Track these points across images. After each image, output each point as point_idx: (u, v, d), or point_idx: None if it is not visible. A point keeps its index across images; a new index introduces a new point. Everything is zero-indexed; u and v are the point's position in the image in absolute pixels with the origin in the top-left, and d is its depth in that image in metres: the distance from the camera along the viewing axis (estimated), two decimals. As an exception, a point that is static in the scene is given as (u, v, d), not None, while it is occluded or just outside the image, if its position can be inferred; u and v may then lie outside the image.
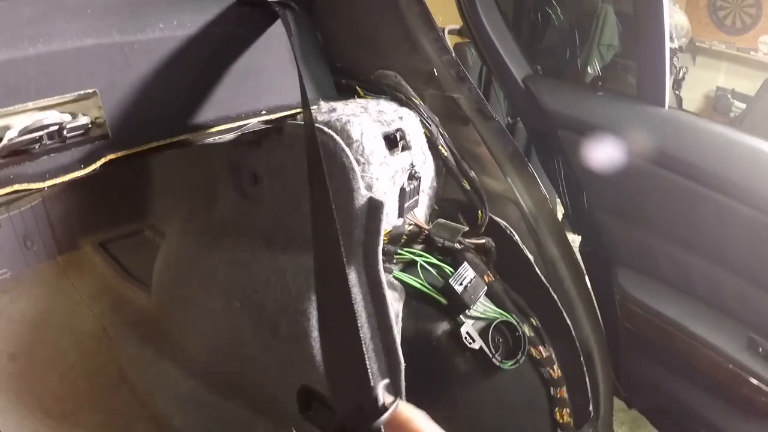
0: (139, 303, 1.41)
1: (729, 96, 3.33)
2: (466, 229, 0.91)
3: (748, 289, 1.10)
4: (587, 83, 1.37)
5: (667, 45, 1.19)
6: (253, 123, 0.82)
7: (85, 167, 0.66)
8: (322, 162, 0.60)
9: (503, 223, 0.96)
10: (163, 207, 1.61)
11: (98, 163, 0.68)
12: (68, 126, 0.62)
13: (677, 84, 2.39)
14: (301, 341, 0.86)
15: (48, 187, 0.64)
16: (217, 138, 0.78)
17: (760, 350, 1.09)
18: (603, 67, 1.66)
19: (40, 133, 0.59)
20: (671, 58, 1.20)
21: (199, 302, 1.13)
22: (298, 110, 0.86)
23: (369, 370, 0.43)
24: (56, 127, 0.61)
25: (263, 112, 0.83)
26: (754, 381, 1.06)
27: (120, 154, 0.69)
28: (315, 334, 0.85)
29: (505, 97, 1.29)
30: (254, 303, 0.97)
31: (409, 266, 0.89)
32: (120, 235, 1.67)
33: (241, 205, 1.02)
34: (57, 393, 1.26)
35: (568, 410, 0.96)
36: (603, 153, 1.16)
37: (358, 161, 0.81)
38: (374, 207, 0.79)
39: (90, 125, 0.64)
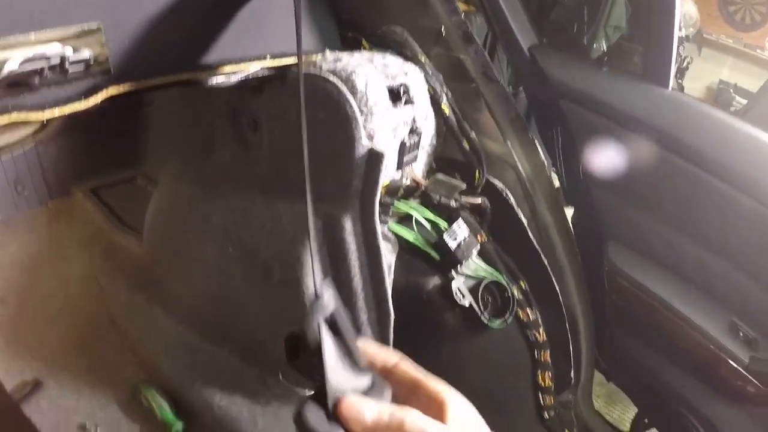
0: (130, 250, 1.40)
1: (731, 90, 3.34)
2: (464, 186, 0.91)
3: (735, 275, 1.12)
4: (592, 60, 1.37)
5: (677, 26, 1.19)
6: (257, 67, 0.81)
7: (85, 99, 0.66)
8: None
9: (500, 185, 0.96)
10: (158, 155, 1.60)
11: (99, 97, 0.67)
12: (70, 59, 0.61)
13: (680, 73, 2.40)
14: (293, 287, 0.87)
15: (47, 120, 0.64)
16: (219, 80, 0.78)
17: (741, 335, 1.10)
18: (608, 48, 1.66)
19: (42, 65, 0.59)
20: (677, 46, 1.20)
21: (191, 249, 1.13)
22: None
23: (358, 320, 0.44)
24: (58, 60, 0.60)
25: (267, 57, 0.82)
26: (732, 363, 1.08)
27: (122, 89, 0.69)
28: (308, 280, 0.85)
29: (509, 66, 1.29)
30: (248, 248, 0.98)
31: (404, 220, 0.89)
32: (112, 182, 1.66)
33: (239, 152, 1.01)
34: (45, 337, 1.26)
35: (550, 374, 0.98)
36: (603, 127, 1.16)
37: (361, 111, 0.81)
38: (374, 158, 0.79)
39: (92, 60, 0.63)
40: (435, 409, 0.39)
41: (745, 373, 1.06)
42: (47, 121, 0.66)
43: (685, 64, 2.45)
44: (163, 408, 1.14)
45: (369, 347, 0.43)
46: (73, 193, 1.62)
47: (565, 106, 1.15)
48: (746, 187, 1.06)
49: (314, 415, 0.37)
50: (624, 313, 1.18)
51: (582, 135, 1.13)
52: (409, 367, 0.42)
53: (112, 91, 0.68)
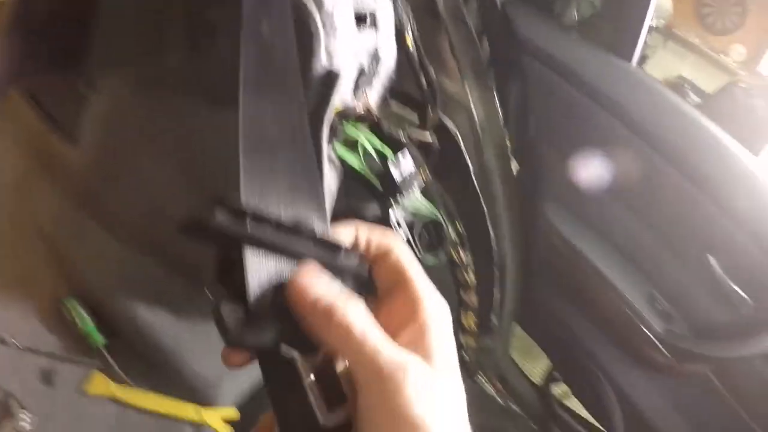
0: (66, 157, 1.34)
1: (687, 87, 3.44)
2: (416, 121, 0.92)
3: (659, 249, 1.18)
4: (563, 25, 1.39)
5: (651, 8, 1.23)
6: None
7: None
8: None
9: (452, 126, 0.97)
10: (103, 57, 1.52)
11: None
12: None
13: (642, 59, 2.45)
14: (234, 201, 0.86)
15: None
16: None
17: (658, 307, 1.17)
18: (579, 20, 1.67)
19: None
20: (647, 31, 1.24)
21: (129, 158, 1.09)
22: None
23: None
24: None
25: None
26: (647, 332, 1.14)
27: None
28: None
29: (478, 12, 1.29)
30: (191, 162, 0.96)
31: (351, 146, 0.89)
32: (52, 85, 1.57)
33: (191, 57, 0.98)
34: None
35: (473, 316, 1.01)
36: (562, 90, 1.19)
37: (324, 27, 0.80)
38: (331, 76, 0.78)
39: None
40: (409, 309, 0.36)
41: (657, 343, 1.13)
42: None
43: (648, 51, 2.50)
44: (84, 319, 1.12)
45: (361, 227, 0.41)
46: (9, 94, 1.53)
47: (528, 63, 1.16)
48: (681, 165, 1.11)
49: (232, 311, 0.35)
50: (552, 271, 1.23)
51: (539, 94, 1.16)
52: (404, 257, 0.39)
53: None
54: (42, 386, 1.09)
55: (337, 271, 0.38)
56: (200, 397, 1.16)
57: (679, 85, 3.45)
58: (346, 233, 0.41)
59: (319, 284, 0.35)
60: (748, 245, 1.03)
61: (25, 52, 1.55)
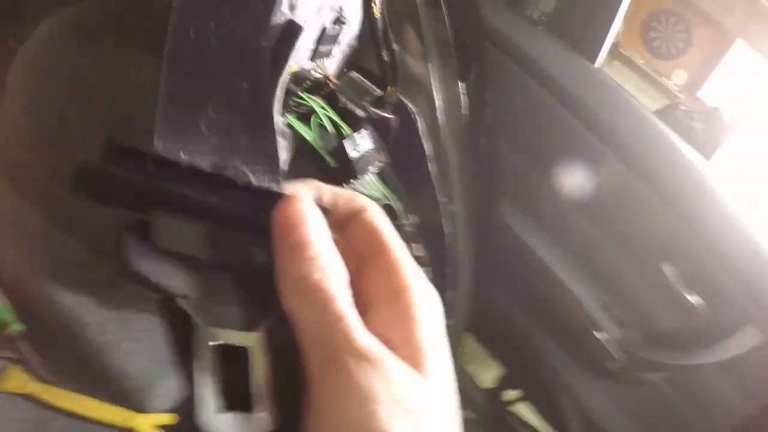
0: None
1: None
2: (378, 93, 0.84)
3: (615, 255, 1.16)
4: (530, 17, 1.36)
5: (622, 9, 1.23)
6: None
7: None
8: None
9: (412, 108, 0.91)
10: (32, 15, 1.37)
11: None
12: None
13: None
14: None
15: None
16: None
17: (612, 312, 1.15)
18: (545, 15, 1.66)
19: None
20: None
21: (55, 113, 0.97)
22: None
23: None
24: None
25: None
26: (599, 338, 1.12)
27: None
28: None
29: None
30: (122, 115, 0.85)
31: (304, 117, 0.81)
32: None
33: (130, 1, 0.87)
34: None
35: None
36: (522, 83, 1.15)
37: (285, -24, 0.71)
38: (290, 30, 0.70)
39: None
40: (387, 288, 0.30)
41: (610, 350, 1.10)
42: None
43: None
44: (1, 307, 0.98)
45: (323, 186, 0.34)
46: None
47: (492, 53, 1.12)
48: (642, 171, 1.10)
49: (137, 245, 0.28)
50: (507, 272, 1.19)
51: (498, 85, 1.11)
52: (379, 221, 0.32)
53: None
54: (-52, 382, 0.95)
55: None
56: (131, 400, 1.04)
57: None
58: (304, 189, 0.32)
59: (314, 224, 0.28)
60: (705, 252, 1.01)
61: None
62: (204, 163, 0.30)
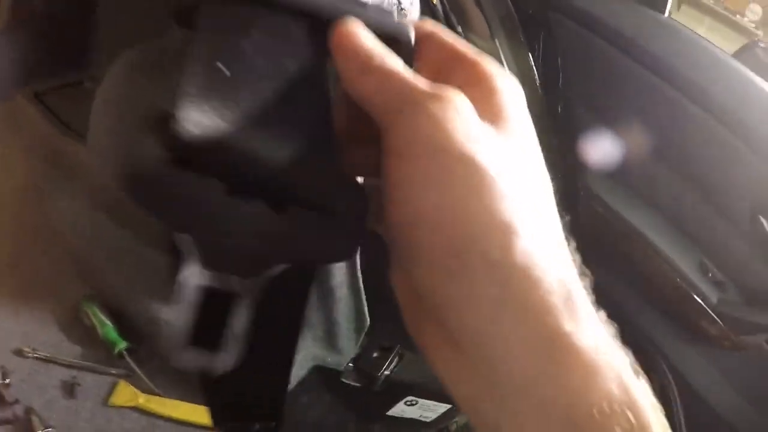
0: (77, 157, 1.30)
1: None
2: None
3: (707, 212, 1.10)
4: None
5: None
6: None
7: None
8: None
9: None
10: (106, 55, 1.46)
11: None
12: None
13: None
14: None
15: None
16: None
17: (710, 275, 1.10)
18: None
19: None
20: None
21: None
22: None
23: None
24: None
25: None
26: (700, 302, 1.07)
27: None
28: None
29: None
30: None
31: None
32: (58, 86, 1.53)
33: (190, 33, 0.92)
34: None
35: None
36: (592, 45, 1.11)
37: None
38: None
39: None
40: (471, 76, 0.27)
41: (711, 313, 1.05)
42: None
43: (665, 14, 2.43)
44: (106, 326, 1.06)
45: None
46: (14, 98, 1.49)
47: (554, 18, 1.09)
48: (727, 120, 1.04)
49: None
50: (598, 243, 1.16)
51: (568, 50, 1.08)
52: (454, 38, 0.29)
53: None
54: (64, 399, 1.04)
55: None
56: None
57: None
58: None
59: (367, 36, 0.26)
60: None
61: (29, 53, 1.49)
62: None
